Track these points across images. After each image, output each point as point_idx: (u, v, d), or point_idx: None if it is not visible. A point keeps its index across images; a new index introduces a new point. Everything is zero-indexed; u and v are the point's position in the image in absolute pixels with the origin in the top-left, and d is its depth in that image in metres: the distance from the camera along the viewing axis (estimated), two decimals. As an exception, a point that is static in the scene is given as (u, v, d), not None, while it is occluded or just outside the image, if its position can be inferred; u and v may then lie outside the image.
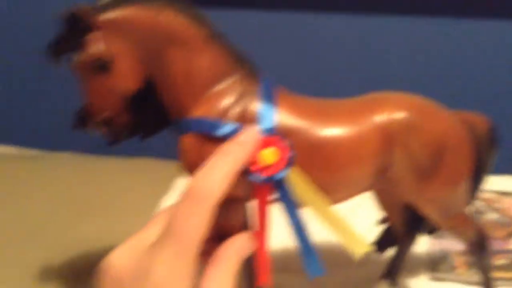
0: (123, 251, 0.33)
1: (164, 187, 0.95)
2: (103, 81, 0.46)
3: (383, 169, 0.51)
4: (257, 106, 0.48)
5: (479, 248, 0.58)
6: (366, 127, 0.49)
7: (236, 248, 0.37)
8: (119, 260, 0.32)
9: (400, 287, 0.68)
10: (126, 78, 0.47)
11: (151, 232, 0.34)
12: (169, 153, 1.05)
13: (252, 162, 0.44)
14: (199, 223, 0.32)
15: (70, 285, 0.71)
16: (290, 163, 0.45)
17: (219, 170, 0.34)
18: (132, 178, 1.02)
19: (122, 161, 1.09)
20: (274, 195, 0.46)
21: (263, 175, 0.43)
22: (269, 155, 0.45)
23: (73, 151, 1.15)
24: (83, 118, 0.49)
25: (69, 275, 0.72)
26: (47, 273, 0.73)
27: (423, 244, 0.77)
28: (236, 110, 0.48)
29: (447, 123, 0.52)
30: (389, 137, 0.49)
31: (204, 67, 0.48)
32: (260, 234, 0.49)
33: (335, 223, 0.48)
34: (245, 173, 0.43)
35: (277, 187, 0.45)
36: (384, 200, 0.60)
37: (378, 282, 0.65)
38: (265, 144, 0.45)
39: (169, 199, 0.90)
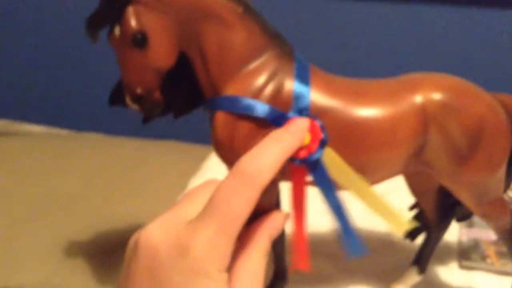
0: (160, 224, 0.32)
1: (192, 169, 0.96)
2: (139, 56, 0.46)
3: (419, 151, 0.50)
4: (291, 85, 0.48)
5: None
6: (403, 108, 0.49)
7: (268, 228, 0.37)
8: (157, 233, 0.32)
9: (429, 275, 0.67)
10: (162, 54, 0.46)
11: (188, 207, 0.34)
12: (197, 136, 1.07)
13: None
14: (245, 204, 0.31)
15: (99, 260, 0.72)
16: (323, 144, 0.45)
17: (271, 155, 0.34)
18: (161, 159, 1.02)
19: (151, 143, 1.10)
20: (309, 177, 0.46)
21: (299, 157, 0.43)
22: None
23: (103, 132, 1.17)
24: (119, 94, 0.50)
25: (98, 250, 0.74)
26: (77, 247, 0.74)
27: (453, 233, 0.76)
28: (270, 88, 0.47)
29: (485, 106, 0.50)
30: (426, 118, 0.49)
31: (239, 43, 0.48)
32: (298, 217, 0.49)
33: (374, 201, 0.48)
34: None
35: (312, 168, 0.45)
36: (416, 185, 0.59)
37: (407, 269, 0.64)
38: None
39: (197, 181, 0.91)
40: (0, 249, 0.74)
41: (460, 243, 0.74)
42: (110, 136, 1.15)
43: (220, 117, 0.48)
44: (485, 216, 0.55)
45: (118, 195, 0.88)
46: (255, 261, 0.34)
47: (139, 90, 0.47)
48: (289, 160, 0.41)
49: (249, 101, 0.47)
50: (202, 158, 0.99)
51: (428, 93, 0.49)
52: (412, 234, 0.65)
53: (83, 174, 0.95)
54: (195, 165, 0.97)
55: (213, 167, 0.94)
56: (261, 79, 0.48)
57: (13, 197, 0.87)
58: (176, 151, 1.08)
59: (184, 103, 0.53)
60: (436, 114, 0.49)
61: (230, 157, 0.48)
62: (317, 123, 0.45)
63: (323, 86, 0.49)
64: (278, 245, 0.58)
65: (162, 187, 0.91)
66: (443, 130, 0.49)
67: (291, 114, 0.46)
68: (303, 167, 0.45)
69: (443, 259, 0.72)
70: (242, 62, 0.48)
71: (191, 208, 0.34)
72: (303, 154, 0.44)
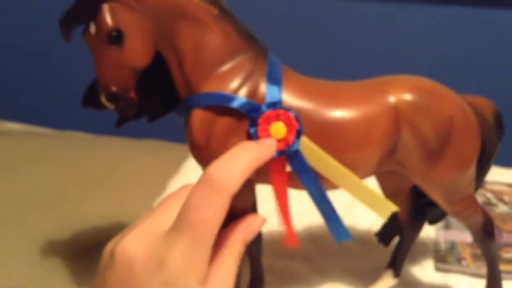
0: (137, 236, 0.32)
1: (172, 169, 0.95)
2: (114, 54, 0.46)
3: (392, 150, 0.51)
4: (265, 85, 0.48)
5: (486, 235, 0.57)
6: (376, 108, 0.49)
7: (242, 232, 0.38)
8: (133, 245, 0.32)
9: (405, 277, 0.67)
10: (137, 52, 0.46)
11: (164, 217, 0.34)
12: (177, 136, 1.07)
13: (265, 137, 0.46)
14: (216, 213, 0.32)
15: (76, 261, 0.71)
16: (299, 134, 0.47)
17: (240, 162, 0.34)
18: (141, 159, 1.02)
19: (131, 142, 1.10)
20: (288, 168, 0.48)
21: (277, 149, 0.45)
22: (279, 129, 0.46)
23: (83, 131, 1.16)
24: (92, 96, 0.49)
25: (76, 251, 0.73)
26: (54, 249, 0.73)
27: (430, 234, 0.77)
28: (245, 90, 0.48)
29: (455, 106, 0.51)
30: (398, 118, 0.49)
31: (214, 44, 0.48)
32: (283, 203, 0.49)
33: (356, 187, 0.49)
34: None
35: (291, 159, 0.47)
36: (388, 185, 0.60)
37: (383, 272, 0.64)
38: (273, 118, 0.47)
39: (177, 180, 0.90)
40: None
41: (436, 245, 0.74)
42: (91, 135, 1.15)
43: (197, 115, 0.48)
44: (458, 215, 0.56)
45: (98, 194, 0.88)
46: (227, 266, 0.34)
47: (114, 89, 0.46)
48: None
49: (226, 94, 0.47)
50: (183, 158, 0.98)
51: (399, 94, 0.50)
52: (385, 239, 0.65)
53: (63, 173, 0.94)
54: (176, 165, 0.97)
55: (194, 167, 0.93)
56: (236, 80, 0.48)
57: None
58: (157, 150, 1.08)
59: (159, 105, 0.53)
60: (407, 114, 0.50)
61: (206, 158, 0.48)
62: (291, 114, 0.46)
63: (295, 87, 0.49)
64: (254, 248, 0.57)
65: (142, 186, 0.90)
66: (415, 130, 0.50)
67: (264, 107, 0.47)
68: (282, 159, 0.47)
69: (420, 261, 0.72)
70: (217, 63, 0.48)
71: (167, 217, 0.34)
72: (280, 146, 0.46)
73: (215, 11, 0.48)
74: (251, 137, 0.46)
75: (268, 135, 0.46)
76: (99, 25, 0.45)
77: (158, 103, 0.53)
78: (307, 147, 0.47)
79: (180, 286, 0.30)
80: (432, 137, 0.50)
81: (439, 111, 0.50)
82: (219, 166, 0.33)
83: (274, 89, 0.48)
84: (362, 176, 0.52)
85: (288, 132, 0.46)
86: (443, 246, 0.74)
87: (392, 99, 0.50)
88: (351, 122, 0.49)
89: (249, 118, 0.47)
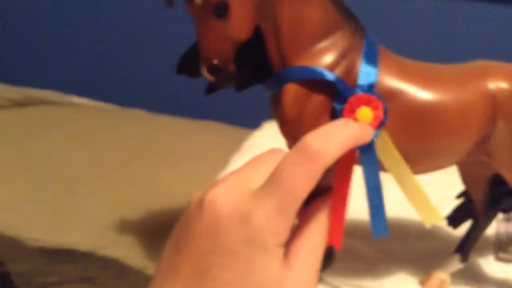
0: (226, 188, 0.33)
1: (232, 149, 0.97)
2: (218, 26, 0.47)
3: (484, 139, 0.51)
4: (360, 64, 0.49)
5: None
6: (474, 94, 0.49)
7: (329, 206, 0.37)
8: (222, 197, 0.32)
9: (466, 265, 0.68)
10: (241, 24, 0.48)
11: (253, 176, 0.34)
12: (235, 120, 1.09)
13: (350, 117, 0.46)
14: (307, 182, 0.31)
15: (142, 223, 0.75)
16: (382, 124, 0.46)
17: (339, 138, 0.33)
18: (202, 137, 1.04)
19: (191, 122, 1.13)
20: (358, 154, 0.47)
21: None
22: (366, 114, 0.46)
23: (145, 109, 1.20)
24: (188, 64, 0.51)
25: (141, 215, 0.77)
26: (122, 211, 0.77)
27: (491, 225, 0.77)
28: (341, 67, 0.48)
29: None
30: (496, 106, 0.50)
31: (313, 20, 0.49)
32: (342, 193, 0.50)
33: (413, 189, 0.48)
34: None
35: (364, 147, 0.45)
36: (469, 173, 0.60)
37: (450, 256, 0.65)
38: (363, 102, 0.46)
39: (240, 158, 0.93)
40: (51, 211, 0.78)
41: (497, 236, 0.75)
42: (153, 113, 1.18)
43: (290, 90, 0.49)
44: None
45: (161, 167, 0.91)
46: (315, 239, 0.34)
47: (216, 61, 0.48)
48: None
49: (321, 69, 0.48)
50: (241, 139, 1.01)
51: (499, 81, 0.50)
52: (455, 222, 0.66)
53: (128, 146, 0.98)
54: (236, 145, 0.99)
55: (254, 148, 0.96)
56: (332, 57, 0.48)
57: (62, 162, 0.90)
58: (216, 131, 1.10)
59: (249, 77, 0.54)
60: (505, 102, 0.49)
61: (296, 133, 0.48)
62: (381, 103, 0.46)
63: (393, 67, 0.50)
64: None
65: (204, 161, 0.93)
66: (510, 119, 0.50)
67: (358, 89, 0.47)
68: (354, 149, 0.45)
69: (480, 251, 0.73)
70: (314, 38, 0.49)
71: (255, 177, 0.34)
72: None
73: None
74: (336, 113, 0.47)
75: (353, 117, 0.46)
76: None
77: (248, 75, 0.53)
78: (383, 139, 0.47)
79: (259, 245, 0.30)
80: None
81: None
82: (318, 135, 0.33)
83: (370, 70, 0.48)
84: (448, 163, 0.52)
85: (374, 118, 0.45)
86: (504, 237, 0.74)
87: (490, 85, 0.50)
88: (448, 106, 0.49)
89: (340, 95, 0.47)
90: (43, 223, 0.75)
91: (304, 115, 0.48)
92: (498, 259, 0.71)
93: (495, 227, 0.77)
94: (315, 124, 0.46)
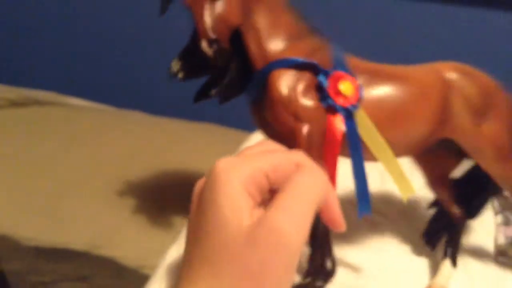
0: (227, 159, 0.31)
1: (229, 151, 0.97)
2: (213, 7, 0.53)
3: (445, 117, 0.58)
4: (331, 54, 0.57)
5: None
6: (430, 79, 0.59)
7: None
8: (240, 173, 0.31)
9: (465, 269, 0.68)
10: (231, 7, 0.54)
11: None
12: (234, 122, 1.09)
13: (334, 92, 0.53)
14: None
15: (139, 223, 0.75)
16: (360, 99, 0.54)
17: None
18: (199, 140, 1.04)
19: (188, 124, 1.12)
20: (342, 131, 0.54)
21: (341, 104, 0.53)
22: (347, 88, 0.54)
23: (143, 111, 1.19)
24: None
25: (139, 215, 0.76)
26: (119, 212, 0.77)
27: (490, 230, 0.77)
28: (315, 59, 0.55)
29: (492, 80, 0.61)
30: (448, 84, 0.59)
31: (286, 24, 0.56)
32: (332, 170, 0.54)
33: (392, 165, 0.56)
34: (323, 99, 0.54)
35: (348, 120, 0.54)
36: (431, 170, 0.65)
37: (441, 264, 0.65)
38: (343, 78, 0.54)
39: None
40: (46, 210, 0.77)
41: (496, 239, 0.75)
42: (148, 114, 1.18)
43: (278, 73, 0.55)
44: (508, 178, 0.62)
45: (159, 169, 0.90)
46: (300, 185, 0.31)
47: (212, 35, 0.53)
48: (330, 108, 0.52)
49: (301, 58, 0.55)
50: (239, 142, 1.01)
51: (448, 72, 0.59)
52: (431, 239, 0.69)
53: (125, 147, 0.97)
54: (234, 148, 0.99)
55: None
56: (307, 50, 0.56)
57: (58, 162, 0.90)
58: (214, 134, 1.10)
59: (231, 86, 0.58)
60: (455, 80, 0.59)
61: (287, 112, 0.54)
62: (357, 80, 0.54)
63: (356, 62, 0.58)
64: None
65: (201, 165, 0.92)
66: (462, 92, 0.58)
67: (336, 67, 0.55)
68: (341, 115, 0.54)
69: (480, 255, 0.72)
70: (290, 38, 0.56)
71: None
72: (346, 103, 0.53)
73: (283, 1, 0.57)
74: (321, 86, 0.54)
75: (337, 89, 0.53)
76: None
77: (231, 83, 0.58)
78: (362, 116, 0.54)
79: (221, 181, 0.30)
80: (477, 97, 0.59)
81: (481, 78, 0.60)
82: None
83: (341, 58, 0.56)
84: (415, 146, 0.59)
85: (354, 94, 0.53)
86: (503, 240, 0.74)
87: (442, 72, 0.59)
88: (408, 93, 0.57)
89: (322, 72, 0.54)
90: (38, 223, 0.75)
91: (294, 92, 0.54)
92: (498, 262, 0.71)
93: (494, 231, 0.76)
94: (304, 99, 0.54)
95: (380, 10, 1.12)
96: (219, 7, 0.53)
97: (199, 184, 0.34)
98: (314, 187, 0.31)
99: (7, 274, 0.60)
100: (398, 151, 0.57)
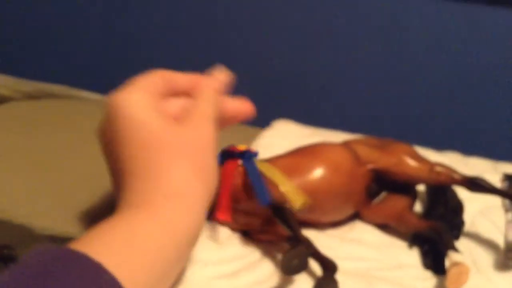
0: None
1: (245, 141, 0.97)
2: None
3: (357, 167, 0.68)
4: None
5: (472, 184, 0.68)
6: (343, 155, 0.68)
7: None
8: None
9: (475, 265, 0.68)
10: None
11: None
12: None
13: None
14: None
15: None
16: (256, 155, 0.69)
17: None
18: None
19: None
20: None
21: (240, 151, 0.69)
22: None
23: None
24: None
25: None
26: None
27: (500, 227, 0.77)
28: None
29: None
30: (358, 158, 0.69)
31: None
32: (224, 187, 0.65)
33: (283, 181, 0.63)
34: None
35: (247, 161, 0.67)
36: (389, 215, 0.70)
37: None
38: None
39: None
40: (60, 201, 0.78)
41: (506, 237, 0.75)
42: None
43: None
44: (438, 175, 0.68)
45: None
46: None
47: None
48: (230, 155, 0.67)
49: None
50: (251, 138, 1.01)
51: (355, 145, 0.72)
52: (430, 265, 0.67)
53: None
54: (245, 144, 0.98)
55: (264, 147, 0.96)
56: None
57: (73, 155, 0.91)
58: (226, 130, 1.09)
59: None
60: (362, 155, 0.70)
61: None
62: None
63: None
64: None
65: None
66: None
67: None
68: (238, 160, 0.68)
69: (490, 250, 0.73)
70: None
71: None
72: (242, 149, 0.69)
73: None
74: None
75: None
76: None
77: None
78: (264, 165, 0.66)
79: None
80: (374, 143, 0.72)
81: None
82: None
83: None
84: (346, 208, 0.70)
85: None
86: (512, 239, 0.74)
87: (351, 147, 0.71)
88: (325, 168, 0.66)
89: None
90: (52, 213, 0.76)
91: None
92: (508, 259, 0.71)
93: (504, 228, 0.76)
94: None
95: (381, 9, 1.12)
96: None
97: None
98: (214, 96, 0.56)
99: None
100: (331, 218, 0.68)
